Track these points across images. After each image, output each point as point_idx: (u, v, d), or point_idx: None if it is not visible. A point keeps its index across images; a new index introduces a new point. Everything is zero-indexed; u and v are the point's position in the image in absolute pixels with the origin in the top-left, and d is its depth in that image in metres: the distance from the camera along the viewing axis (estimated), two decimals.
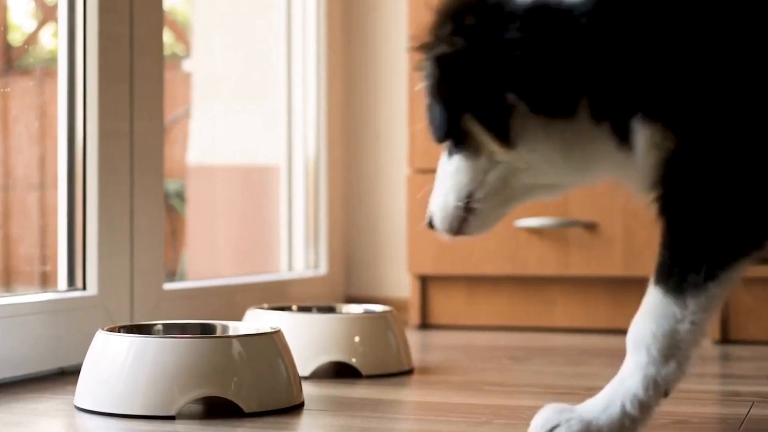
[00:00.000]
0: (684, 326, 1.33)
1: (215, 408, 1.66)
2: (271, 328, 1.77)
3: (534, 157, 1.40)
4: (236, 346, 1.67)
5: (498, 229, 2.95)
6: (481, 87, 1.37)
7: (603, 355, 2.42)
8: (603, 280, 2.92)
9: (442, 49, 1.38)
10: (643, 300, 1.37)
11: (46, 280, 2.54)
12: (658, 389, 1.35)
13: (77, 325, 2.09)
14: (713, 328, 2.68)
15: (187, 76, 3.80)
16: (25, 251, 2.69)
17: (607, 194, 2.90)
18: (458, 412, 1.73)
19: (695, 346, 1.35)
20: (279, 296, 2.81)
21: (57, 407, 1.76)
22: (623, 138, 1.36)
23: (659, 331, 1.34)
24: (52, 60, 2.49)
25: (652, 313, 1.35)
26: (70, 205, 2.20)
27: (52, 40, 2.89)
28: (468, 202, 1.47)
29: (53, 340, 2.05)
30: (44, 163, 2.69)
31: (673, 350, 1.34)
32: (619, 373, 1.39)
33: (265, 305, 2.23)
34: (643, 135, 1.33)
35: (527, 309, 2.98)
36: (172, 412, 1.62)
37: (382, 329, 2.11)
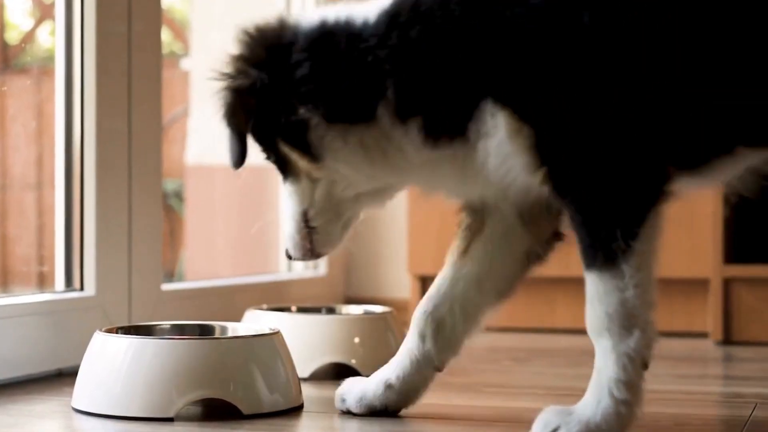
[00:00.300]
0: (629, 293, 1.37)
1: (214, 410, 1.66)
2: (270, 329, 1.77)
3: (341, 167, 1.51)
4: (235, 347, 1.66)
5: None
6: (278, 110, 1.50)
7: None
8: None
9: (239, 81, 1.51)
10: (586, 290, 1.40)
11: (43, 281, 2.54)
12: (634, 363, 1.39)
13: (75, 326, 2.09)
14: (716, 328, 2.67)
15: (185, 75, 3.80)
16: (22, 251, 2.69)
17: None
18: (459, 415, 1.73)
19: (649, 308, 1.39)
20: (278, 297, 2.81)
21: (54, 409, 1.76)
22: (436, 133, 1.43)
23: (610, 308, 1.38)
24: (50, 58, 2.49)
25: (596, 295, 1.39)
26: (68, 205, 2.19)
27: (50, 38, 2.89)
28: (306, 223, 1.57)
29: (50, 341, 2.05)
30: (41, 162, 2.69)
31: (630, 320, 1.38)
32: (594, 367, 1.42)
33: (264, 306, 2.23)
34: (498, 123, 1.39)
35: (528, 310, 2.97)
36: (170, 414, 1.61)
37: (382, 330, 2.11)
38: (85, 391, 1.69)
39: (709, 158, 1.42)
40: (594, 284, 1.39)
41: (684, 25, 1.37)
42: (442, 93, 1.42)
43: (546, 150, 1.38)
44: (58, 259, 2.20)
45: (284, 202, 1.58)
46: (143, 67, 2.26)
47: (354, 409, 1.68)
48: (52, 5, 2.26)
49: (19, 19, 3.10)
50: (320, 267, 3.10)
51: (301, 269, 3.09)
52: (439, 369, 1.67)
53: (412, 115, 1.45)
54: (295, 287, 2.95)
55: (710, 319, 2.71)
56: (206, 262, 3.60)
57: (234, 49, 1.55)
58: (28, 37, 3.08)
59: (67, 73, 2.19)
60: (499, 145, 1.40)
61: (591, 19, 1.34)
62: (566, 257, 2.90)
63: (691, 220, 2.71)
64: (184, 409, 1.63)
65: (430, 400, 1.77)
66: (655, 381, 2.14)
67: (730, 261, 2.66)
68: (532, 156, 1.39)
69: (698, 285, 2.75)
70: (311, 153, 1.49)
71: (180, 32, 4.08)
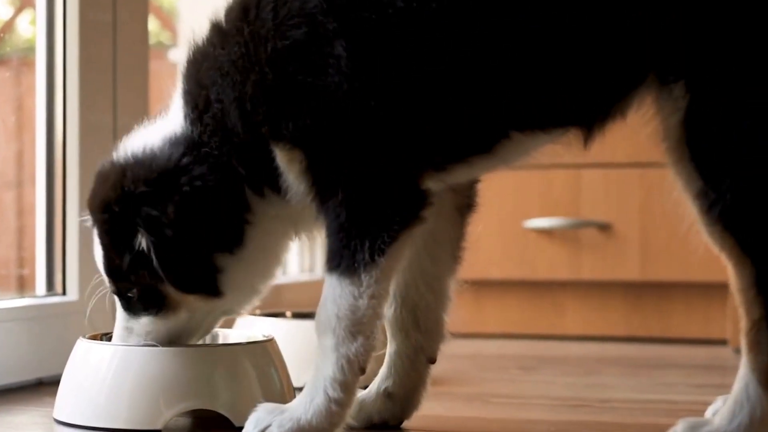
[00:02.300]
0: (363, 302, 1.48)
1: (204, 421, 1.66)
2: (264, 335, 1.77)
3: (239, 289, 1.61)
4: (227, 355, 1.66)
5: (506, 230, 2.97)
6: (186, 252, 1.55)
7: (618, 365, 2.42)
8: (618, 284, 2.92)
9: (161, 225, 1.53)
10: (323, 290, 1.50)
11: (23, 285, 2.53)
12: (352, 366, 1.50)
13: (57, 332, 2.09)
14: (736, 335, 2.67)
15: (173, 67, 3.80)
16: (0, 254, 2.69)
17: (621, 193, 2.91)
18: (464, 427, 1.73)
19: (378, 318, 1.51)
20: (272, 302, 2.80)
21: (35, 420, 1.76)
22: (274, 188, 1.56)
23: (341, 312, 1.49)
24: (30, 49, 2.49)
25: (330, 297, 1.50)
26: (49, 205, 2.20)
27: (30, 27, 2.89)
28: None
29: (31, 348, 2.05)
30: (21, 159, 2.68)
31: (357, 326, 1.49)
32: (314, 364, 1.50)
33: (258, 311, 2.22)
34: (280, 159, 1.52)
35: (537, 316, 2.98)
36: (158, 426, 1.61)
37: (382, 337, 2.11)
38: (67, 402, 1.69)
39: (486, 148, 1.52)
40: (331, 286, 1.49)
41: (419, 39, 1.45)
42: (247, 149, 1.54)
43: (314, 168, 1.51)
44: (39, 262, 2.19)
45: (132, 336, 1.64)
46: (129, 58, 2.26)
47: (352, 422, 1.68)
48: None
49: None
50: (316, 270, 3.10)
51: (297, 273, 3.09)
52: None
53: (263, 185, 1.56)
54: (290, 292, 2.95)
55: (729, 325, 2.71)
56: None
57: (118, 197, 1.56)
58: (7, 26, 3.08)
59: (48, 65, 2.19)
60: (291, 182, 1.54)
61: (346, 49, 1.45)
62: (578, 260, 2.92)
63: None
64: (173, 421, 1.63)
65: (435, 411, 1.77)
66: (671, 391, 2.15)
67: None
68: (305, 176, 1.51)
69: (717, 290, 2.75)
70: (219, 292, 1.58)
71: (168, 21, 4.08)
